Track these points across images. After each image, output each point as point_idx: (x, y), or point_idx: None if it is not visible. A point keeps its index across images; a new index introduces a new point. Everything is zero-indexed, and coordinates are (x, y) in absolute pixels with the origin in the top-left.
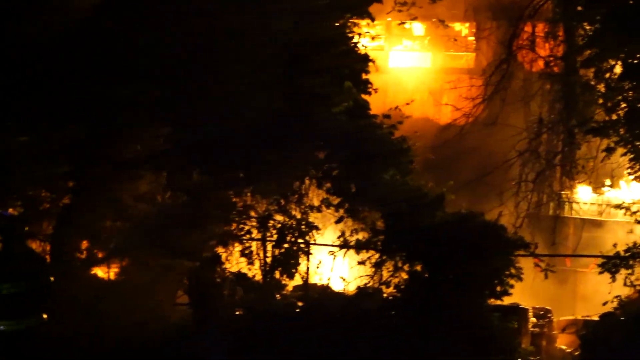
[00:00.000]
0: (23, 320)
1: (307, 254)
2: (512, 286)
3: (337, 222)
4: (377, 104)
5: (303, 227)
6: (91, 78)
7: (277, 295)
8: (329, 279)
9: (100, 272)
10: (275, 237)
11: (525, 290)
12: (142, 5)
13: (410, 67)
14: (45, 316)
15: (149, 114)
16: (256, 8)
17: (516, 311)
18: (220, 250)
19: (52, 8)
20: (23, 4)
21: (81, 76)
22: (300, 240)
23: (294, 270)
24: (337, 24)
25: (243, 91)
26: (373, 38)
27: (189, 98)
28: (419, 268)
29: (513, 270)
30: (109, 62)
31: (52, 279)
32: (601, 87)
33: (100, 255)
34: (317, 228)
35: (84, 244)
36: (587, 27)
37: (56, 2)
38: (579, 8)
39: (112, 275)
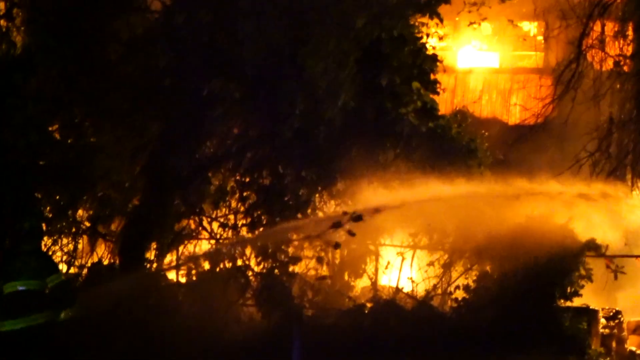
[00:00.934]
0: (38, 317)
1: (376, 254)
2: (582, 287)
3: None
4: (445, 104)
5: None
6: (177, 73)
7: (347, 298)
8: (398, 280)
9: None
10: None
11: (597, 291)
12: (224, 2)
13: (479, 67)
14: (63, 315)
15: (231, 110)
16: (335, 4)
17: (586, 312)
18: (291, 250)
19: (135, 7)
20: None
21: (165, 71)
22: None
23: (362, 272)
24: (408, 23)
25: (325, 88)
26: (441, 38)
27: (273, 95)
28: (488, 269)
29: (583, 272)
30: (195, 58)
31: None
32: None
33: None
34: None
35: (154, 245)
36: None
37: (137, 2)
38: None
39: (181, 277)
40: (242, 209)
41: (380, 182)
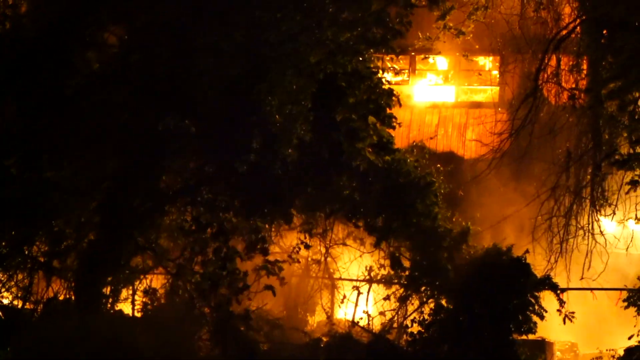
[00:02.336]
0: None
1: (332, 288)
2: (538, 320)
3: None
4: (401, 138)
5: (328, 260)
6: (133, 108)
7: (302, 332)
8: (354, 314)
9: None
10: (299, 272)
11: (554, 323)
12: (181, 39)
13: (435, 101)
14: None
15: (188, 145)
16: (290, 41)
17: (542, 345)
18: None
19: (91, 42)
20: (67, 39)
21: (122, 106)
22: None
23: (317, 306)
24: (362, 58)
25: (280, 124)
26: (397, 73)
27: (229, 131)
28: (444, 302)
29: (537, 308)
30: (151, 93)
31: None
32: (626, 120)
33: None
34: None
35: (110, 280)
36: (611, 60)
37: (93, 38)
38: (603, 41)
39: (137, 312)
40: (197, 244)
41: (336, 217)
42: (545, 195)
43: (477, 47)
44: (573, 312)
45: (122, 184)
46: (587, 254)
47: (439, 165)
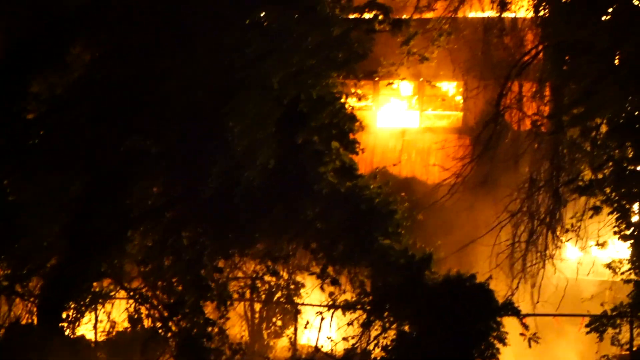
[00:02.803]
0: None
1: (295, 314)
2: (500, 347)
3: (326, 279)
4: (365, 163)
5: (291, 287)
6: (96, 131)
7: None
8: (317, 340)
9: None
10: (262, 297)
11: (518, 348)
12: (145, 61)
13: (398, 126)
14: None
15: (152, 169)
16: (254, 65)
17: None
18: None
19: (55, 66)
20: (28, 64)
21: (85, 129)
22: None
23: (281, 331)
24: (326, 83)
25: (244, 148)
26: (360, 98)
27: (193, 155)
28: (407, 328)
29: (500, 332)
30: (115, 115)
31: None
32: (588, 146)
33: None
34: (303, 285)
35: (73, 305)
36: (574, 87)
37: (56, 61)
38: (565, 67)
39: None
40: (161, 270)
41: (300, 241)
42: (506, 221)
43: (441, 72)
44: (538, 336)
45: (86, 207)
46: (542, 279)
47: (402, 193)
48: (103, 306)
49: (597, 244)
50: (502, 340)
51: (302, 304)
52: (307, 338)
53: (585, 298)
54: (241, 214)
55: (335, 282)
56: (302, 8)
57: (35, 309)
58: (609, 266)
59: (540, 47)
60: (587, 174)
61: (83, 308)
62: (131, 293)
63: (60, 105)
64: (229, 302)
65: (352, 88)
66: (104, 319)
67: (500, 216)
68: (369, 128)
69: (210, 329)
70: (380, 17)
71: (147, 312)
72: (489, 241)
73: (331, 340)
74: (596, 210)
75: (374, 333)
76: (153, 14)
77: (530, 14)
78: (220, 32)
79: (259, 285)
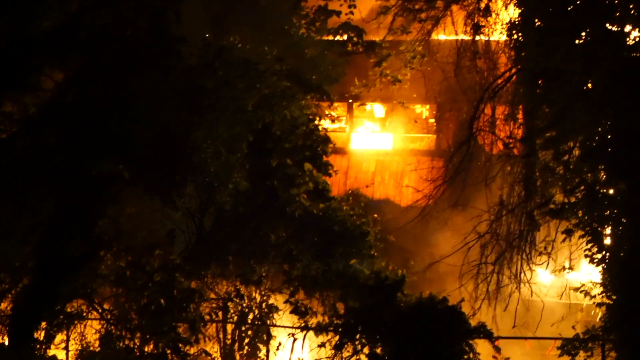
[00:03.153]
0: None
1: (268, 336)
2: None
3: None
4: (338, 185)
5: (264, 309)
6: (67, 152)
7: None
8: None
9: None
10: (235, 318)
11: None
12: (116, 83)
13: (372, 148)
14: None
15: (123, 190)
16: (226, 88)
17: None
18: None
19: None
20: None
21: (57, 149)
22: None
23: (253, 353)
24: (299, 105)
25: (216, 171)
26: (334, 120)
27: (164, 177)
28: (379, 351)
29: (472, 356)
30: (86, 136)
31: None
32: (560, 170)
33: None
34: (277, 309)
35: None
36: (547, 110)
37: (31, 78)
38: (538, 90)
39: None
40: (132, 292)
41: (272, 263)
42: (473, 242)
43: (414, 95)
44: (508, 358)
45: (57, 228)
46: (510, 301)
47: (375, 215)
48: (75, 327)
49: (567, 268)
50: None
51: (275, 325)
52: None
53: (556, 321)
54: (214, 236)
55: (303, 314)
56: (275, 30)
57: (6, 330)
58: (578, 289)
59: (513, 71)
60: (560, 197)
61: (55, 329)
62: (104, 314)
63: (32, 125)
64: (201, 324)
65: (325, 110)
66: (77, 339)
67: (467, 237)
68: (342, 150)
69: (183, 349)
70: (354, 38)
71: (119, 333)
72: (459, 263)
73: None
74: (569, 233)
75: (346, 355)
76: (123, 37)
77: (504, 37)
78: (190, 55)
79: (231, 306)
